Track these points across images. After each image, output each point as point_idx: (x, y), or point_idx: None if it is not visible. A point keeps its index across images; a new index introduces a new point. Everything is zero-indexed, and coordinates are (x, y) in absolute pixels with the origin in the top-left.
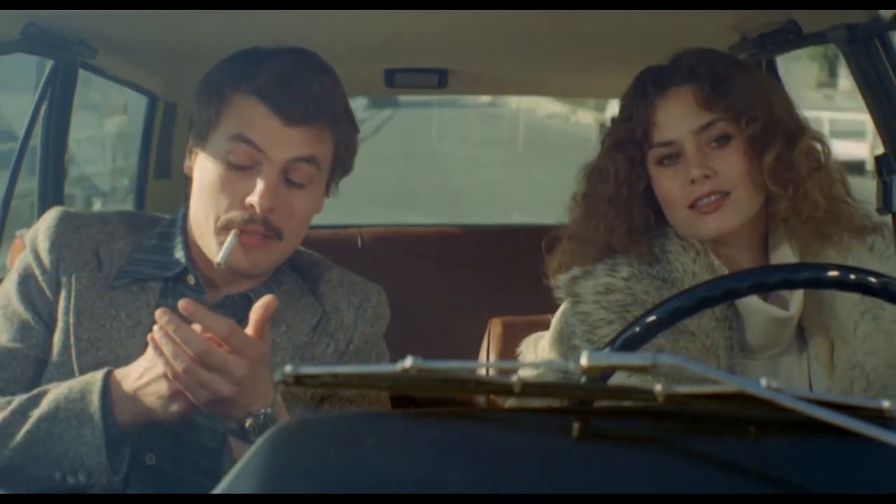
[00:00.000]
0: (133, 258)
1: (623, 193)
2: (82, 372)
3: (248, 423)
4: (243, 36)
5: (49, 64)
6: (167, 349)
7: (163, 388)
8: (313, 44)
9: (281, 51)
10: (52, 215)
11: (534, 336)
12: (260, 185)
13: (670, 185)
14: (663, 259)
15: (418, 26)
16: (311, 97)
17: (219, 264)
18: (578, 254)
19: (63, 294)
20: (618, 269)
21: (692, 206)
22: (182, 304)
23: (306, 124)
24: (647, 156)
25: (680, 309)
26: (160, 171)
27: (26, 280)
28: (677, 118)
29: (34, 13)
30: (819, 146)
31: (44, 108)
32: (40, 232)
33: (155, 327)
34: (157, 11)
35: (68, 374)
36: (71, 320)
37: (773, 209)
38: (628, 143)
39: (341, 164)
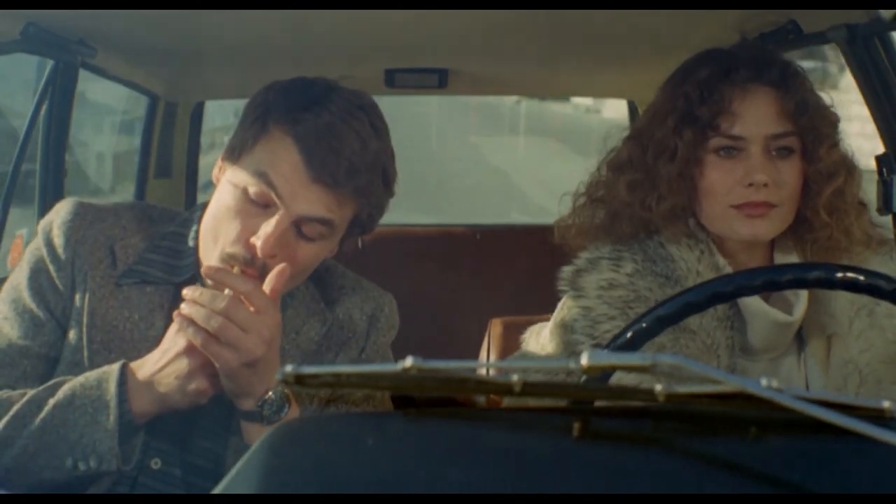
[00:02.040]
0: (143, 257)
1: (680, 172)
2: None
3: (267, 395)
4: (243, 36)
5: (49, 64)
6: (198, 314)
7: (182, 365)
8: (314, 43)
9: (339, 95)
10: (66, 208)
11: (537, 326)
12: (268, 228)
13: (723, 179)
14: (667, 256)
15: (418, 26)
16: (347, 162)
17: None
18: (610, 226)
19: (77, 292)
20: (622, 264)
21: (738, 206)
22: (204, 269)
23: (333, 188)
24: (708, 140)
25: (665, 317)
26: (160, 170)
27: (38, 274)
28: (754, 117)
29: (34, 13)
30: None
31: (44, 107)
32: (55, 225)
33: (182, 304)
34: (157, 11)
35: (80, 374)
36: (84, 320)
37: (809, 235)
38: (698, 122)
39: (360, 226)
